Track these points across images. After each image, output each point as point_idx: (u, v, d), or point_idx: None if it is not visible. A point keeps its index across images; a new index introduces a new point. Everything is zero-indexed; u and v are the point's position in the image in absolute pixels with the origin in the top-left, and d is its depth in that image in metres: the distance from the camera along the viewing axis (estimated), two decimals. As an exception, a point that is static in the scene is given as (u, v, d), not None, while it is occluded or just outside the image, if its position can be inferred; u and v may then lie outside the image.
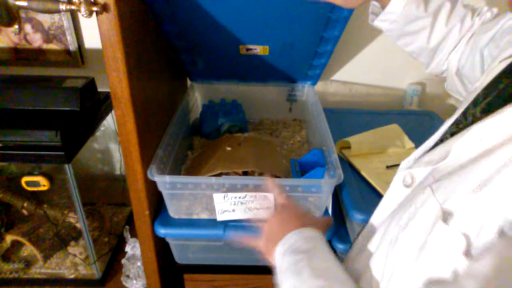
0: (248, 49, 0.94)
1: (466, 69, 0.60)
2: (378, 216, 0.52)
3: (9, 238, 1.03)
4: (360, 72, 1.21)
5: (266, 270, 0.88)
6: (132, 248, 0.95)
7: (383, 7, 0.61)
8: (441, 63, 0.64)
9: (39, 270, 1.00)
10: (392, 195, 0.50)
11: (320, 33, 0.89)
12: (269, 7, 0.79)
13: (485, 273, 0.30)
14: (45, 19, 1.07)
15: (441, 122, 1.13)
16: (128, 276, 0.98)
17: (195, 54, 0.98)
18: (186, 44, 0.92)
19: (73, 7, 0.54)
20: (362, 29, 1.13)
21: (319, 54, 0.98)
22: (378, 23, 0.63)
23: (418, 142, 0.97)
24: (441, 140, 0.48)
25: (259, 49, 0.94)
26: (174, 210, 0.79)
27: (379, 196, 0.79)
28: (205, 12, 0.79)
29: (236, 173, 0.81)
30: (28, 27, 1.08)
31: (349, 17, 0.83)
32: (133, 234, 0.87)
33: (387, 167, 0.88)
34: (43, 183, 0.85)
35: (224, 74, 1.10)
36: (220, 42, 0.92)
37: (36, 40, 1.10)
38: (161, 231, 0.78)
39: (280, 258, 0.51)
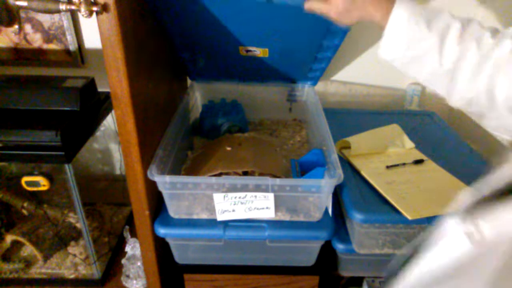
0: (248, 51, 0.94)
1: None
2: (426, 270, 0.48)
3: (9, 238, 1.03)
4: (360, 72, 1.21)
5: (266, 270, 0.88)
6: (132, 248, 0.95)
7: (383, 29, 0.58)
8: (467, 88, 0.54)
9: (39, 270, 1.00)
10: (450, 248, 0.45)
11: (320, 40, 0.89)
12: (270, 13, 0.79)
13: None
14: (45, 19, 1.07)
15: (441, 122, 1.13)
16: (128, 276, 0.98)
17: (195, 52, 0.98)
18: (187, 42, 0.92)
19: (73, 7, 0.54)
20: (363, 29, 1.13)
21: (319, 59, 0.98)
22: (382, 52, 0.59)
23: (418, 142, 0.97)
24: None
25: (259, 51, 0.94)
26: (174, 210, 0.79)
27: (379, 196, 0.79)
28: (206, 13, 0.79)
29: (236, 173, 0.81)
30: (28, 27, 1.08)
31: (349, 29, 0.83)
32: (133, 234, 0.87)
33: (387, 167, 0.88)
34: (43, 183, 0.85)
35: (224, 74, 1.10)
36: (220, 42, 0.92)
37: (36, 40, 1.10)
38: (161, 231, 0.78)
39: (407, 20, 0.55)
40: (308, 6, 0.65)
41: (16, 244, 1.05)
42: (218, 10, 0.79)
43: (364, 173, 0.85)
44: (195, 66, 1.06)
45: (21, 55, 1.12)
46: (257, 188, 0.74)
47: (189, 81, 1.15)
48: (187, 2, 0.75)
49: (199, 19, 0.81)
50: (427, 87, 0.60)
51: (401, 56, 0.58)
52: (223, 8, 0.78)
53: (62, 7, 0.55)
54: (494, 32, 0.54)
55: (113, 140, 1.26)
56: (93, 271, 0.99)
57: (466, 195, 0.47)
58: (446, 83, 0.56)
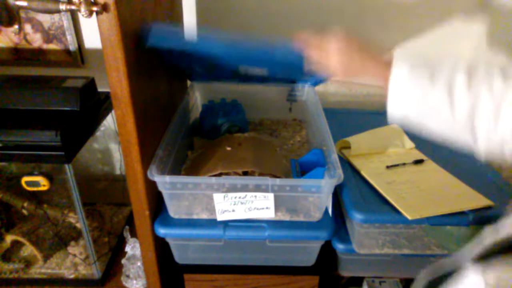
0: (246, 71, 0.96)
1: None
2: None
3: (9, 238, 1.03)
4: (360, 72, 1.21)
5: (266, 270, 0.88)
6: (132, 248, 0.95)
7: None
8: (490, 138, 0.51)
9: (39, 270, 1.00)
10: None
11: None
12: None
13: None
14: (45, 19, 1.07)
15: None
16: (128, 276, 0.98)
17: (194, 68, 1.01)
18: (183, 66, 0.95)
19: (73, 7, 0.54)
20: (363, 29, 1.13)
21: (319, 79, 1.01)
22: (390, 112, 0.57)
23: (418, 142, 0.97)
24: None
25: (258, 71, 0.95)
26: (174, 210, 0.79)
27: (379, 196, 0.79)
28: (204, 54, 0.80)
29: (236, 173, 0.81)
30: (28, 27, 1.08)
31: None
32: (133, 234, 0.87)
33: (387, 167, 0.88)
34: (43, 183, 0.85)
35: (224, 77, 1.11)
36: (219, 68, 0.93)
37: (36, 40, 1.10)
38: (161, 231, 0.78)
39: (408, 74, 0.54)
40: (307, 60, 0.64)
41: (16, 244, 1.05)
42: (216, 53, 0.78)
43: (364, 173, 0.85)
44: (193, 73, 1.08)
45: (21, 55, 1.12)
46: (257, 188, 0.74)
47: (189, 81, 1.15)
48: (184, 46, 0.75)
49: (195, 55, 0.81)
50: (450, 143, 0.57)
51: (409, 115, 0.56)
52: (222, 52, 0.78)
53: (62, 7, 0.55)
54: (504, 72, 0.51)
55: (113, 140, 1.26)
56: (93, 271, 0.99)
57: (487, 236, 0.48)
58: (468, 136, 0.53)
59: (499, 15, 1.03)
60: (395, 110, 0.56)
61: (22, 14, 1.05)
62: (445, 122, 0.54)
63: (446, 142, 0.56)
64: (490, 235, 0.48)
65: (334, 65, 0.60)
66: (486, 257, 0.47)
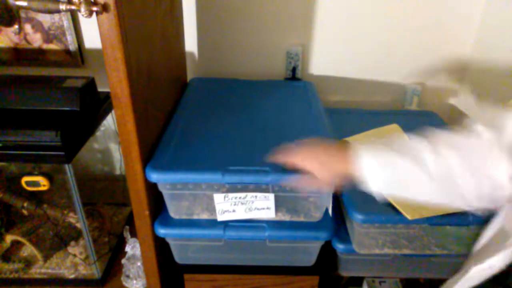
0: None
1: None
2: None
3: (9, 238, 1.03)
4: (361, 72, 1.21)
5: (266, 270, 0.88)
6: (132, 248, 0.95)
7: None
8: (473, 188, 0.51)
9: (39, 270, 1.00)
10: None
11: None
12: None
13: None
14: (45, 19, 1.07)
15: (441, 122, 1.13)
16: (128, 276, 0.98)
17: None
18: None
19: (73, 7, 0.54)
20: (363, 29, 1.13)
21: None
22: (378, 199, 0.59)
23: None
24: None
25: None
26: (174, 210, 0.79)
27: (379, 196, 0.79)
28: None
29: (236, 173, 0.81)
30: (28, 27, 1.08)
31: None
32: (133, 234, 0.87)
33: (387, 167, 0.87)
34: (43, 183, 0.85)
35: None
36: None
37: (36, 40, 1.10)
38: (161, 231, 0.78)
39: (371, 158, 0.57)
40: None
41: (16, 244, 1.05)
42: None
43: (364, 173, 0.85)
44: None
45: (21, 55, 1.12)
46: (258, 189, 0.74)
47: (188, 80, 1.15)
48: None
49: None
50: (442, 205, 0.59)
51: (393, 192, 0.58)
52: None
53: (62, 7, 0.55)
54: (459, 131, 0.54)
55: (113, 140, 1.26)
56: (93, 271, 0.99)
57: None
58: (454, 196, 0.54)
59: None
60: (377, 192, 0.58)
61: (22, 14, 1.05)
62: (425, 188, 0.54)
63: (437, 206, 0.57)
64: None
65: (310, 168, 0.63)
66: None
